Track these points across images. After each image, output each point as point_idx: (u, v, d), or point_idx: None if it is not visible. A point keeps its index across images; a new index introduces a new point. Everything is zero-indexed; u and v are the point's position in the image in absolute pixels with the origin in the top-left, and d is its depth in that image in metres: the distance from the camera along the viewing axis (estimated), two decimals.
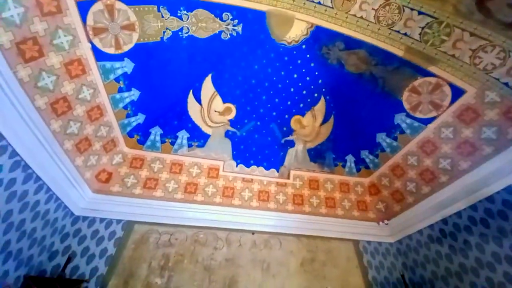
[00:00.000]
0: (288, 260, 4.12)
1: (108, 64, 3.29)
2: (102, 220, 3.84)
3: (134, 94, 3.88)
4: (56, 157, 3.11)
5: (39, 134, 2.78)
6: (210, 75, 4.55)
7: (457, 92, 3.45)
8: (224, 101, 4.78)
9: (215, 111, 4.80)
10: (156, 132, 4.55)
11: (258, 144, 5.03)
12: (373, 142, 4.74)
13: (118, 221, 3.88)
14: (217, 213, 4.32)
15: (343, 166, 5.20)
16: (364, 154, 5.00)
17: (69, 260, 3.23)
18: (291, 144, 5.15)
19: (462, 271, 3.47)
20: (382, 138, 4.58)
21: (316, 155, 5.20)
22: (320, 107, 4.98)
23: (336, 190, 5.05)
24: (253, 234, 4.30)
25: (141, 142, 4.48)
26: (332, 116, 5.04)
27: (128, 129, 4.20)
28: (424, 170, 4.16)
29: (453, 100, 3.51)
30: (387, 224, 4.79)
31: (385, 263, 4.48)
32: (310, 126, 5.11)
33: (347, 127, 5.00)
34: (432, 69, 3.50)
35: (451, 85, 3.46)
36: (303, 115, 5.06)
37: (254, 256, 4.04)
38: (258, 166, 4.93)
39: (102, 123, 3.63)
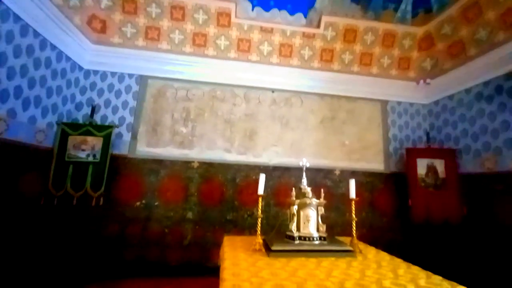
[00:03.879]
0: (307, 117, 4.06)
1: None
2: (113, 74, 3.66)
3: None
4: None
5: None
6: None
7: None
8: None
9: None
10: None
11: None
12: None
13: (130, 75, 3.69)
14: (232, 70, 3.90)
15: (395, 9, 3.89)
16: None
17: (93, 110, 3.36)
18: None
19: (501, 128, 3.17)
20: None
21: None
22: None
23: (377, 43, 4.08)
24: (273, 92, 4.04)
25: None
26: None
27: None
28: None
29: None
30: (428, 84, 4.17)
31: (410, 123, 4.31)
32: None
33: None
34: None
35: None
36: None
37: (274, 113, 3.99)
38: (280, 9, 3.82)
39: None
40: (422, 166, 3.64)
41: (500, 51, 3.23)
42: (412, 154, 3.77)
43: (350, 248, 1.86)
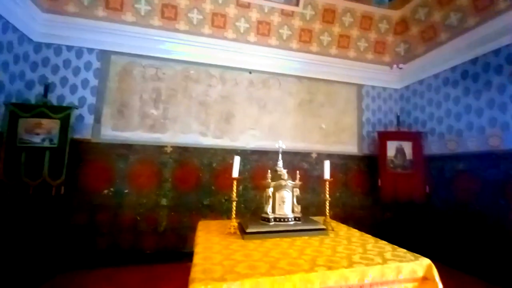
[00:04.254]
0: (286, 100, 4.01)
1: None
2: (69, 48, 3.24)
3: None
4: None
5: None
6: None
7: None
8: None
9: None
10: None
11: None
12: None
13: (90, 50, 3.29)
14: (207, 47, 3.65)
15: None
16: None
17: (47, 88, 2.98)
18: None
19: (464, 112, 3.38)
20: None
21: None
22: None
23: (355, 25, 4.05)
24: (250, 73, 3.89)
25: None
26: None
27: None
28: None
29: None
30: (401, 68, 4.29)
31: (383, 107, 4.46)
32: None
33: None
34: None
35: None
36: None
37: (251, 95, 3.86)
38: None
39: None
40: (391, 148, 3.82)
41: (468, 36, 3.35)
42: (383, 137, 3.93)
43: (323, 227, 1.90)
